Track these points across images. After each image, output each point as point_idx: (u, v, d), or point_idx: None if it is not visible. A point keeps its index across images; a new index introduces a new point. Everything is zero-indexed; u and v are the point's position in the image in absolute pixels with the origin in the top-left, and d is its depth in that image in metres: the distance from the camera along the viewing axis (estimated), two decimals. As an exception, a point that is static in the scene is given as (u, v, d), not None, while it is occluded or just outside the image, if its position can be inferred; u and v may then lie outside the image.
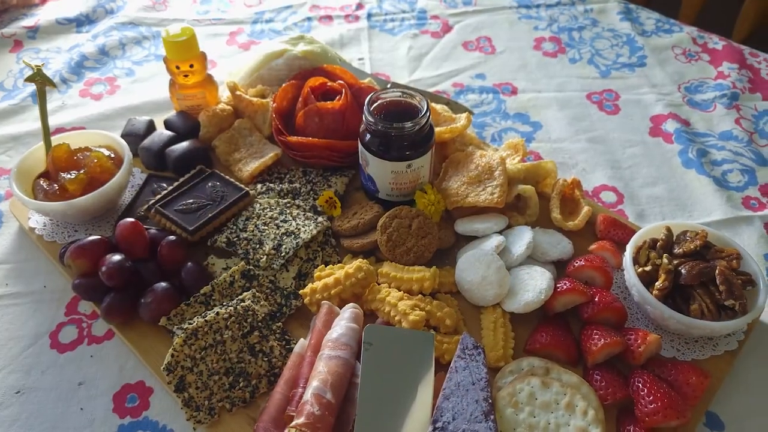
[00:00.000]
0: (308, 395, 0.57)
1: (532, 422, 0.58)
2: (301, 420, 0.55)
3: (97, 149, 0.80)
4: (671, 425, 0.59)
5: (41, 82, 0.78)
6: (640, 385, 0.61)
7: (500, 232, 0.76)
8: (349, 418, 0.58)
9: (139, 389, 0.67)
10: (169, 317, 0.67)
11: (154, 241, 0.73)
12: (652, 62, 1.15)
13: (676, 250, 0.70)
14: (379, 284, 0.71)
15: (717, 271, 0.65)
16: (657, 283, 0.66)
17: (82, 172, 0.76)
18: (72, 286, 0.70)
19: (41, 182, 0.77)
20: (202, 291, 0.69)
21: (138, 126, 0.89)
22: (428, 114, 0.74)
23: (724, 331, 0.65)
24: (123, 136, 0.87)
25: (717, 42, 1.19)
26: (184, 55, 0.86)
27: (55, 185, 0.75)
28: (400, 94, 0.78)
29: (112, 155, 0.80)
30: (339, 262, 0.76)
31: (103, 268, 0.67)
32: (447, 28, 1.24)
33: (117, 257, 0.68)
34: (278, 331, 0.68)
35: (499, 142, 0.98)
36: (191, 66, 0.87)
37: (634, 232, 0.74)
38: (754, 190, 0.91)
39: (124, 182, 0.78)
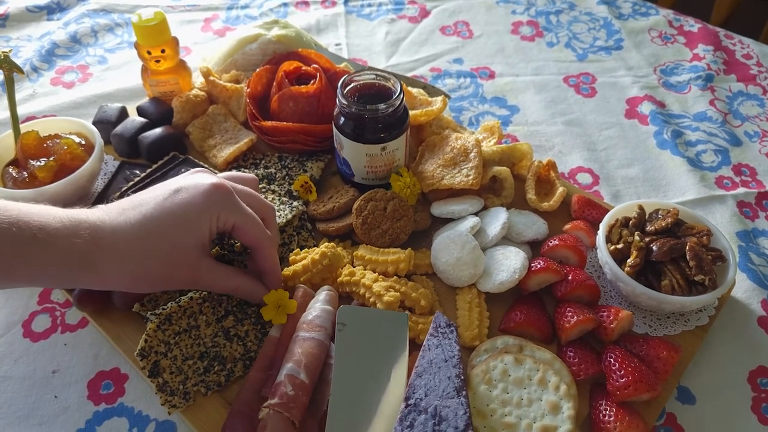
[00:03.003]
0: (282, 376, 0.57)
1: (505, 398, 0.58)
2: (274, 400, 0.55)
3: (67, 136, 0.79)
4: (642, 398, 0.60)
5: (8, 68, 0.77)
6: (611, 360, 0.62)
7: (476, 214, 0.77)
8: (324, 398, 0.58)
9: (114, 376, 0.67)
10: (143, 303, 0.67)
11: (127, 228, 0.72)
12: (629, 45, 1.15)
13: (648, 228, 0.70)
14: (354, 267, 0.71)
15: (687, 247, 0.66)
16: (629, 260, 0.67)
17: (51, 159, 0.75)
18: (43, 274, 0.69)
19: (10, 170, 0.76)
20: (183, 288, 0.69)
21: (110, 113, 0.87)
22: (402, 96, 0.74)
23: (695, 306, 0.66)
24: (94, 123, 0.86)
25: (693, 24, 1.20)
26: (155, 40, 0.85)
27: (25, 173, 0.74)
28: (373, 76, 0.77)
29: (83, 142, 0.79)
30: (315, 245, 0.76)
31: (75, 255, 0.66)
32: (425, 13, 1.24)
33: (88, 244, 0.67)
34: (253, 315, 0.68)
35: (476, 126, 0.99)
36: (163, 51, 0.86)
37: (608, 211, 0.75)
38: (727, 169, 0.92)
39: (96, 169, 0.77)
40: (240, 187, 0.64)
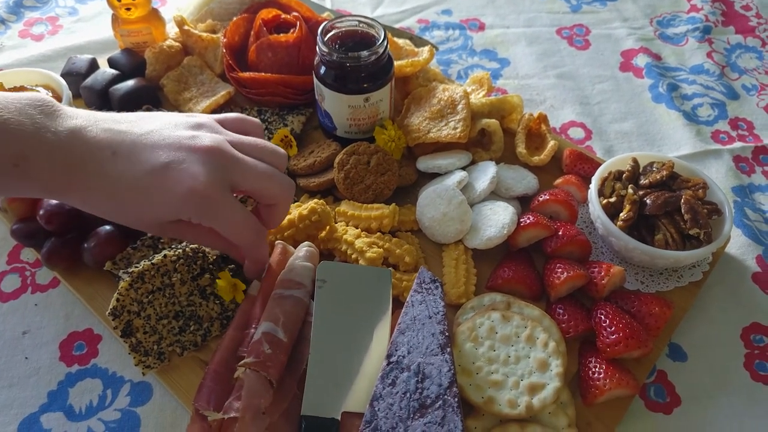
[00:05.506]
0: (259, 335, 0.54)
1: (492, 355, 0.56)
2: (250, 359, 0.53)
3: (34, 88, 0.74)
4: (633, 355, 0.59)
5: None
6: (602, 316, 0.59)
7: (463, 169, 0.74)
8: (303, 356, 0.56)
9: (86, 337, 0.64)
10: (115, 261, 0.64)
11: (97, 184, 0.68)
12: (625, -4, 1.11)
13: (642, 181, 0.68)
14: (336, 223, 0.68)
15: (682, 200, 0.64)
16: (621, 214, 0.64)
17: (16, 111, 0.70)
18: (10, 231, 0.66)
19: (-28, 124, 0.71)
20: (150, 234, 0.66)
21: (79, 64, 0.83)
22: (386, 43, 0.70)
23: (689, 261, 0.64)
24: (63, 75, 0.81)
25: (691, -25, 1.15)
26: (125, -14, 0.80)
27: (-13, 126, 0.70)
28: (356, 23, 0.73)
29: (50, 94, 0.75)
30: (296, 201, 0.73)
31: (41, 211, 0.63)
32: (413, -37, 1.18)
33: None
34: (231, 273, 0.65)
35: (465, 80, 0.94)
36: (133, -2, 0.81)
37: (600, 166, 0.72)
38: (723, 123, 0.89)
39: (63, 122, 0.73)
40: (246, 140, 0.57)
